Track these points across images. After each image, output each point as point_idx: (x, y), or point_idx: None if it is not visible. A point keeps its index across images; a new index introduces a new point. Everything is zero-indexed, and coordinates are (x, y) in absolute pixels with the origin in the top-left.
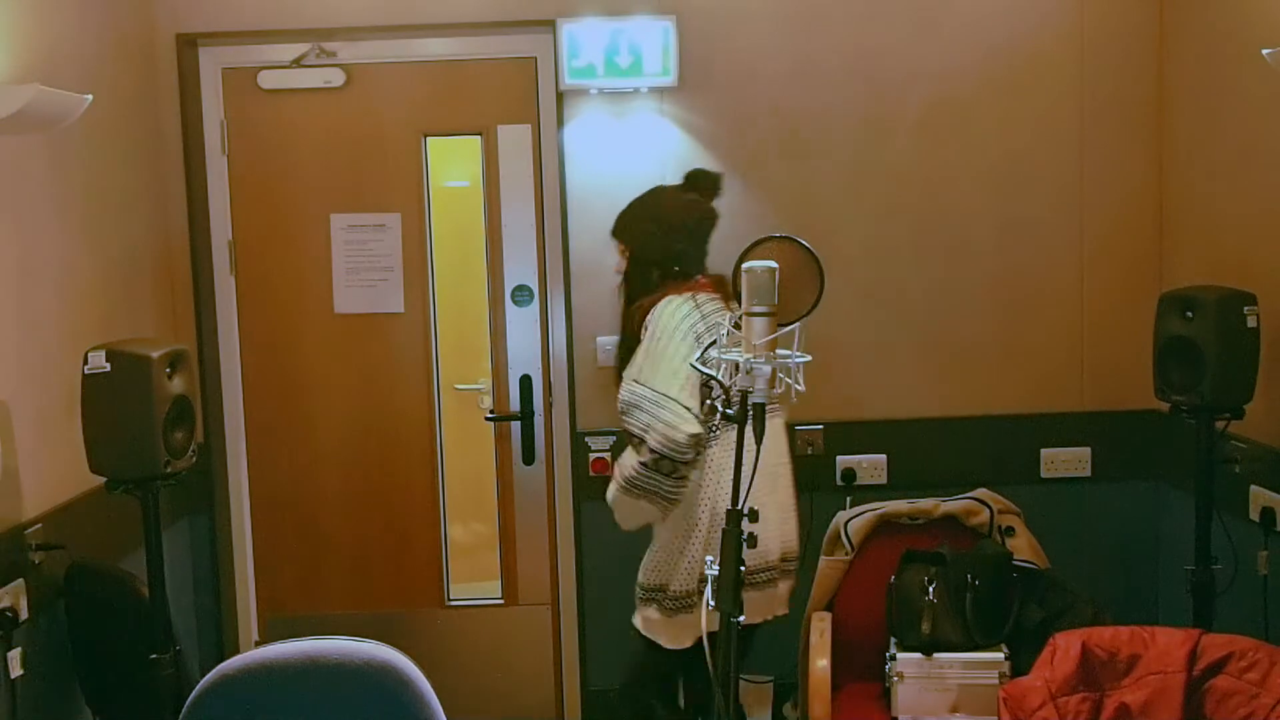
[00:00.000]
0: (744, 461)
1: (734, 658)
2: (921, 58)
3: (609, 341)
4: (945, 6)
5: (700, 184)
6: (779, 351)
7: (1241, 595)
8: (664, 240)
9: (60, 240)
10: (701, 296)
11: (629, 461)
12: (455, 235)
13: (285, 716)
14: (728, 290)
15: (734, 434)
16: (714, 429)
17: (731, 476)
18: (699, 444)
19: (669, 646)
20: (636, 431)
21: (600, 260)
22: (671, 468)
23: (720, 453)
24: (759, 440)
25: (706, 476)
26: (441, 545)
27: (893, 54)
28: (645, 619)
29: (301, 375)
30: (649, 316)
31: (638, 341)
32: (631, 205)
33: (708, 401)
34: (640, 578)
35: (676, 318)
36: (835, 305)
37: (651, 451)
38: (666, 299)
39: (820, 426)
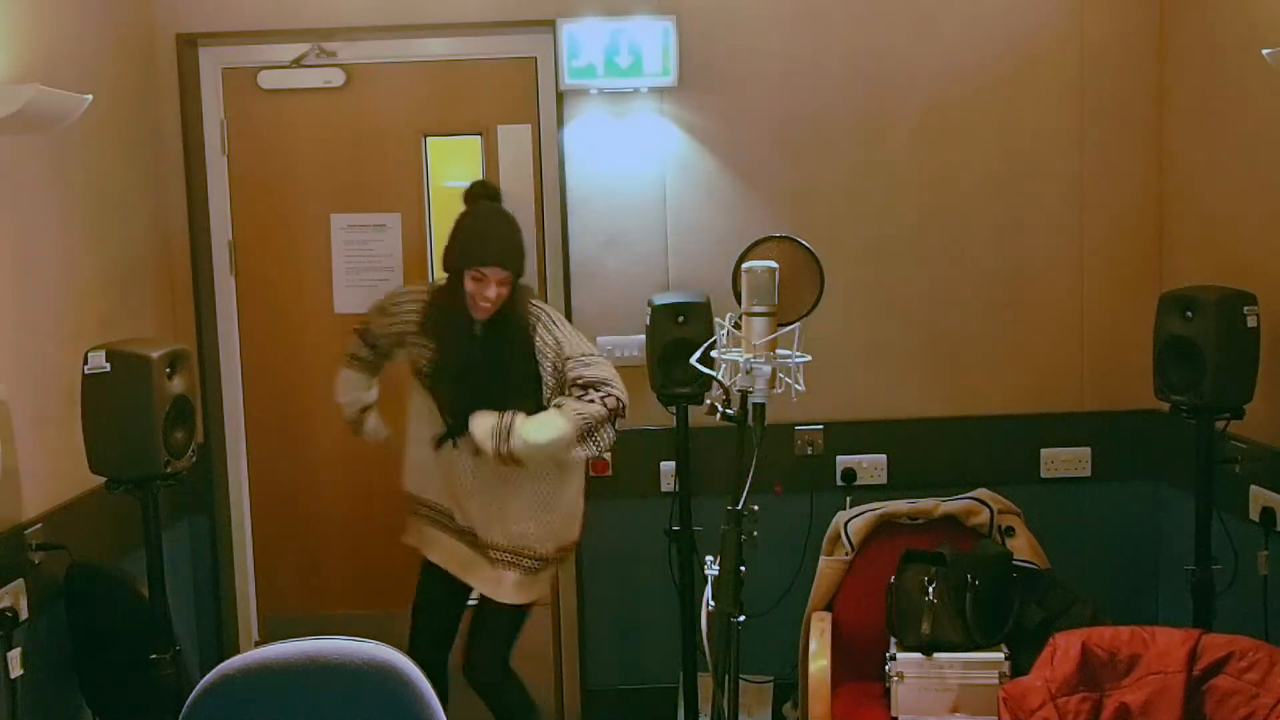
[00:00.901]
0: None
1: (735, 656)
2: (921, 58)
3: (609, 341)
4: (945, 6)
5: (496, 193)
6: (779, 351)
7: (1241, 595)
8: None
9: (60, 240)
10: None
11: (590, 409)
12: None
13: (285, 716)
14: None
15: None
16: None
17: None
18: None
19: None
20: (597, 380)
21: (600, 260)
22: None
23: None
24: (758, 440)
25: None
26: None
27: (893, 54)
28: (538, 584)
29: (301, 375)
30: (544, 321)
31: (525, 355)
32: (505, 232)
33: (708, 400)
34: (546, 547)
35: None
36: (835, 305)
37: (619, 403)
38: (541, 307)
39: (820, 426)
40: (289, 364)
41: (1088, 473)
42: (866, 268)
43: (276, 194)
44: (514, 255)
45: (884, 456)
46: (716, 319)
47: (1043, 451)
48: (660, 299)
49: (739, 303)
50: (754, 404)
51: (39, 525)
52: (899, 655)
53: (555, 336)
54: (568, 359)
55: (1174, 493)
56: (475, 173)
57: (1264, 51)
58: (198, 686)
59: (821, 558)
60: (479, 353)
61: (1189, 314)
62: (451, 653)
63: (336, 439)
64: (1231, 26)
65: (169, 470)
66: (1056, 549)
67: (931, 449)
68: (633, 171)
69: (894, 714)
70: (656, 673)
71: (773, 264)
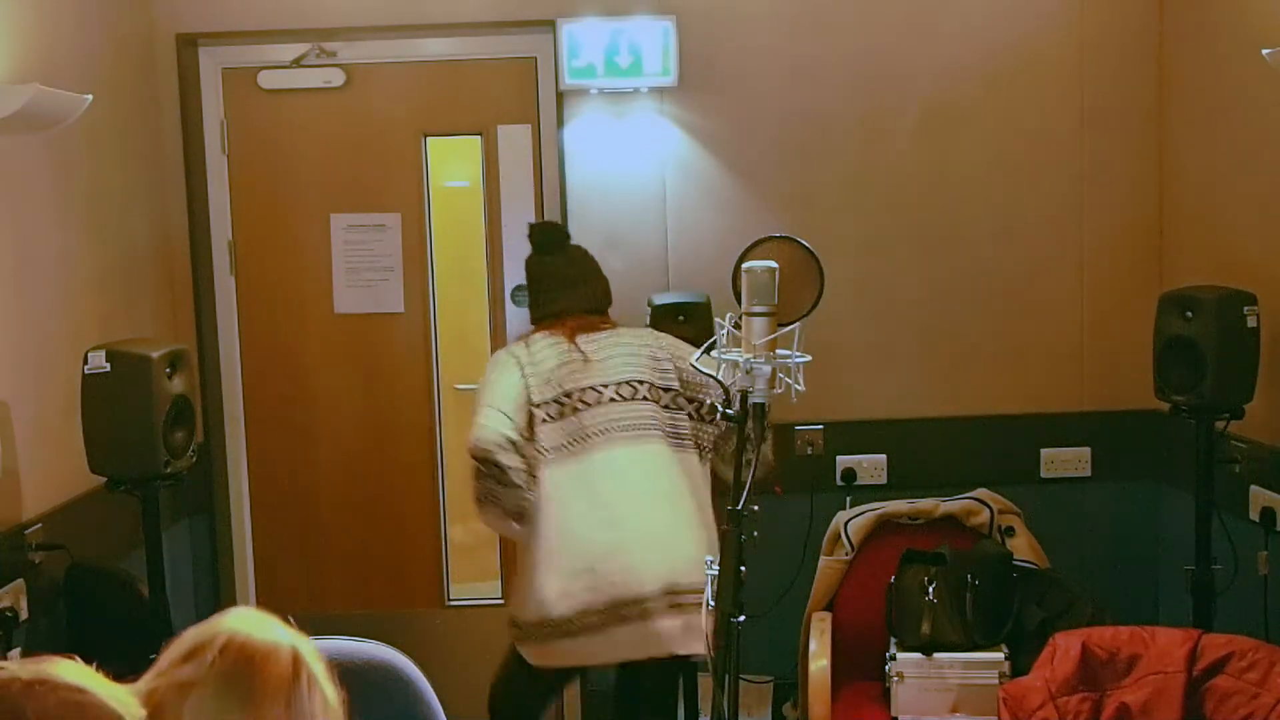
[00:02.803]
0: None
1: (735, 656)
2: (921, 58)
3: None
4: (945, 7)
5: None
6: (779, 351)
7: (1241, 595)
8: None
9: (60, 240)
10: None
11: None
12: (455, 235)
13: None
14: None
15: (577, 462)
16: (544, 451)
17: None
18: (502, 448)
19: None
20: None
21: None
22: (498, 472)
23: (561, 476)
24: (759, 441)
25: (546, 503)
26: (441, 545)
27: (893, 54)
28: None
29: (301, 375)
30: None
31: None
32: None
33: (708, 401)
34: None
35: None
36: (835, 305)
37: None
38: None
39: (820, 426)
40: (289, 364)
41: (1088, 473)
42: (867, 268)
43: (276, 194)
44: None
45: (884, 456)
46: (716, 319)
47: (1043, 451)
48: (660, 299)
49: (739, 303)
50: (754, 404)
51: (39, 525)
52: (899, 655)
53: None
54: None
55: (1174, 493)
56: (475, 173)
57: (1264, 51)
58: None
59: (821, 558)
60: None
61: (1189, 314)
62: None
63: (336, 439)
64: (1231, 26)
65: (169, 470)
66: (1056, 549)
67: (931, 449)
68: (633, 171)
69: (894, 714)
70: None
71: (773, 264)
